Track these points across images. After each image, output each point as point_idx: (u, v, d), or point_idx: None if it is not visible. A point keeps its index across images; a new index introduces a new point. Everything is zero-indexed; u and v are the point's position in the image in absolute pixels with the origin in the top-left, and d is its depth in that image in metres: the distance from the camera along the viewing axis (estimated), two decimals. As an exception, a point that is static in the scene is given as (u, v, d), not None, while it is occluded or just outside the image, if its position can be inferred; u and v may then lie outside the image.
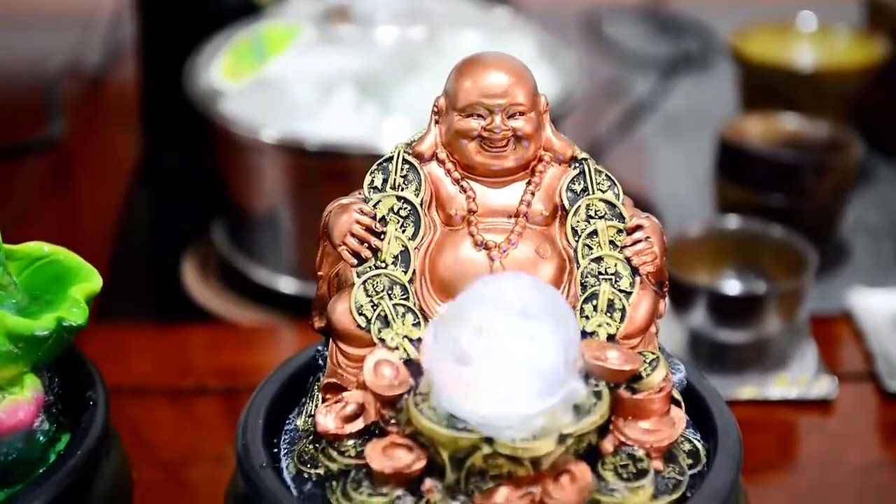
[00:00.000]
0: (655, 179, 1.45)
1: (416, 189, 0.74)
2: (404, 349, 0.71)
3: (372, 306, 0.72)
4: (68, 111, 1.57)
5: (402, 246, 0.73)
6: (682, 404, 0.72)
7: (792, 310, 1.12)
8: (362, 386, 0.70)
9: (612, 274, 0.73)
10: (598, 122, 1.52)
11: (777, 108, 1.36)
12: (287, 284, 1.25)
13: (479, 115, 0.73)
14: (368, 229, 0.73)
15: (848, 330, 1.18)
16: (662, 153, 1.52)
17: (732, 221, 1.20)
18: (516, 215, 0.74)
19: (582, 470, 0.67)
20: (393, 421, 0.69)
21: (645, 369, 0.70)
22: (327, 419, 0.70)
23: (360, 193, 0.75)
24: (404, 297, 0.72)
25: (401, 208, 0.74)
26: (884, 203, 1.41)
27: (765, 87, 1.43)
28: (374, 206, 0.73)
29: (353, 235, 0.73)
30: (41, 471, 0.72)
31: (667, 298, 0.76)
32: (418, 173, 0.74)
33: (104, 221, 1.39)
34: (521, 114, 0.73)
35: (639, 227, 0.74)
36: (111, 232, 1.37)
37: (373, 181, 0.74)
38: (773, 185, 1.26)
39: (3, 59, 1.75)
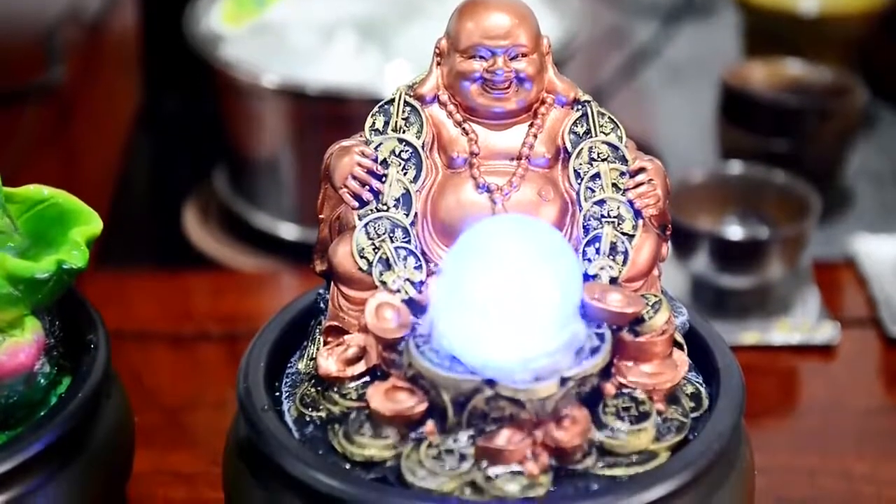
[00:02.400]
0: (658, 126, 1.45)
1: (418, 131, 0.73)
2: (406, 292, 0.70)
3: (373, 249, 0.71)
4: (68, 57, 1.56)
5: (404, 188, 0.72)
6: (685, 347, 0.72)
7: (795, 255, 1.12)
8: (364, 329, 0.70)
9: (614, 216, 0.72)
10: (601, 69, 1.51)
11: (780, 54, 1.35)
12: (288, 230, 1.25)
13: (482, 57, 0.72)
14: (370, 172, 0.72)
15: (851, 276, 1.18)
16: (665, 99, 1.51)
17: (735, 167, 1.20)
18: (518, 158, 0.73)
19: (583, 413, 0.67)
20: (395, 364, 0.69)
21: (647, 312, 0.70)
22: (329, 362, 0.70)
23: (361, 136, 0.74)
24: (406, 239, 0.72)
25: (402, 151, 0.73)
26: (887, 149, 1.41)
27: (768, 32, 1.42)
28: (376, 148, 0.73)
29: (354, 178, 0.72)
30: (42, 413, 0.72)
31: (669, 243, 0.76)
32: (420, 115, 0.74)
33: (104, 167, 1.39)
34: (524, 55, 0.72)
35: (642, 170, 0.73)
36: (111, 178, 1.36)
37: (374, 123, 0.74)
38: (776, 130, 1.26)
39: (3, 4, 1.74)
